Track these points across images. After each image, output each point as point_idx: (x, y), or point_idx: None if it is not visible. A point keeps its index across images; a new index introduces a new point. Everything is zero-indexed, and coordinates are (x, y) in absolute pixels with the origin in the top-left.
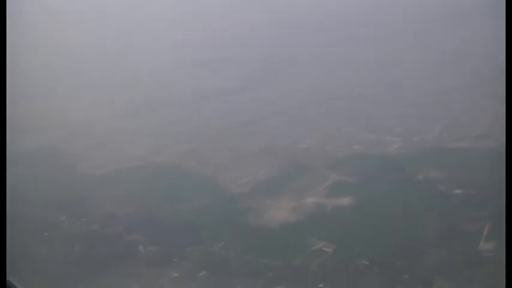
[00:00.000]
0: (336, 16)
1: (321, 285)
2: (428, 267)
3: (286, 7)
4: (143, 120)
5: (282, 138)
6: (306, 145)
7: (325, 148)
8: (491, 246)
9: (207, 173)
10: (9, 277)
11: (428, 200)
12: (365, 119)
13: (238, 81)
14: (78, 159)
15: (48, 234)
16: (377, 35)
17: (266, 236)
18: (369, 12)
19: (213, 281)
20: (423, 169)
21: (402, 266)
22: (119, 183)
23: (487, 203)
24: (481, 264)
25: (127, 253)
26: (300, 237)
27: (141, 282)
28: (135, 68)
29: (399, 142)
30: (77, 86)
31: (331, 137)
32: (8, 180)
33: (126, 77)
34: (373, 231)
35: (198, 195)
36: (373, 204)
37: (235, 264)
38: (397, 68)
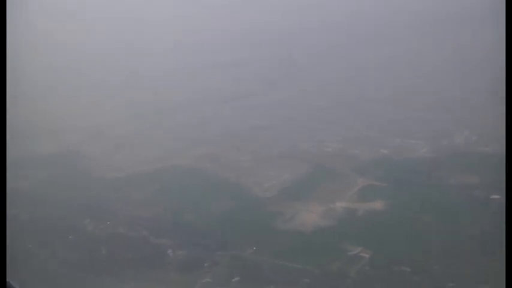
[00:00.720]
0: (350, 17)
1: None
2: (473, 275)
3: (298, 8)
4: (159, 122)
5: (303, 142)
6: (329, 148)
7: (350, 152)
8: None
9: (228, 176)
10: (9, 278)
11: (464, 205)
12: (387, 123)
13: (253, 84)
14: (96, 162)
15: (73, 238)
16: (393, 36)
17: (298, 241)
18: (384, 13)
19: (247, 287)
20: (455, 174)
21: (445, 273)
22: (140, 186)
23: None
24: None
25: (155, 257)
26: (334, 242)
27: (173, 287)
28: (149, 70)
29: (427, 146)
30: (89, 88)
31: (355, 141)
32: (25, 182)
33: (140, 79)
34: (410, 237)
35: (222, 198)
36: (407, 209)
37: (269, 270)
38: (415, 69)
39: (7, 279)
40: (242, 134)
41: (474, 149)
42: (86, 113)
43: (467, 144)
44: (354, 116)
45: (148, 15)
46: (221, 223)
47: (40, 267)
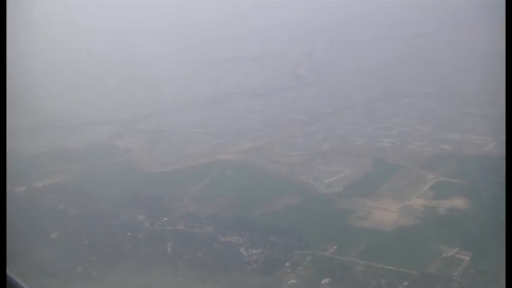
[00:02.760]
0: (385, 10)
1: None
2: None
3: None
4: (190, 117)
5: (353, 136)
6: (384, 143)
7: (407, 147)
8: None
9: (282, 171)
10: (9, 271)
11: None
12: (440, 118)
13: (283, 78)
14: (135, 156)
15: (132, 234)
16: (431, 31)
17: (381, 240)
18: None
19: None
20: None
21: None
22: (189, 181)
23: None
24: None
25: (228, 256)
26: (422, 242)
27: None
28: (176, 65)
29: (492, 142)
30: (114, 81)
31: (410, 136)
32: (61, 177)
33: (168, 74)
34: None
35: (283, 194)
36: (491, 207)
37: (359, 271)
38: (460, 64)
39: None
40: (283, 127)
41: None
42: (113, 107)
43: None
44: (402, 110)
45: (176, 10)
46: (290, 220)
47: (105, 263)
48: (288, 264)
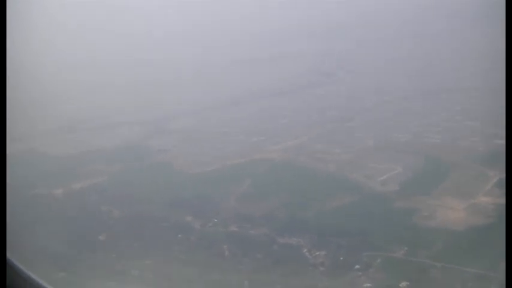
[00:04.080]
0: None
1: None
2: None
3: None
4: (221, 116)
5: (397, 133)
6: (433, 140)
7: (458, 143)
8: None
9: (329, 169)
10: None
11: None
12: (485, 113)
13: (308, 76)
14: (172, 157)
15: (183, 236)
16: (460, 27)
17: (454, 240)
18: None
19: None
20: None
21: None
22: (232, 181)
23: None
24: None
25: (292, 258)
26: (500, 241)
27: None
28: (205, 65)
29: None
30: (142, 82)
31: (458, 131)
32: (99, 178)
33: (196, 74)
34: None
35: (336, 193)
36: None
37: (438, 274)
38: (493, 59)
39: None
40: (319, 125)
41: None
42: (140, 108)
43: None
44: (444, 106)
45: (205, 9)
46: (349, 220)
47: (161, 265)
48: (358, 266)
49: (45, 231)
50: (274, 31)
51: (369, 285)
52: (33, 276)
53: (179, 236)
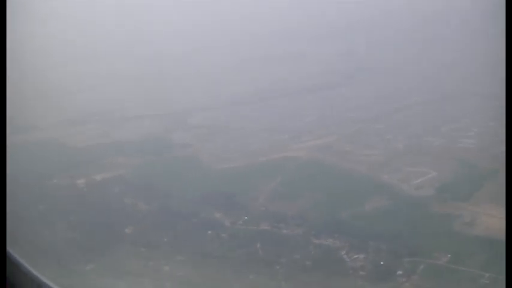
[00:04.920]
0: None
1: None
2: None
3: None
4: (242, 112)
5: (428, 136)
6: (466, 144)
7: (494, 149)
8: None
9: (361, 170)
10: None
11: None
12: None
13: (327, 76)
14: (198, 151)
15: (213, 233)
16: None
17: (501, 250)
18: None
19: None
20: None
21: None
22: (261, 178)
23: None
24: None
25: (328, 260)
26: None
27: None
28: (223, 60)
29: None
30: (158, 75)
31: (492, 137)
32: (125, 169)
33: (214, 69)
34: None
35: (370, 195)
36: None
37: (489, 286)
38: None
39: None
40: (345, 125)
41: None
42: (158, 101)
43: None
44: (474, 111)
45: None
46: (386, 223)
47: (194, 262)
48: (400, 272)
49: (68, 221)
50: (294, 28)
51: None
52: (33, 270)
53: (209, 232)
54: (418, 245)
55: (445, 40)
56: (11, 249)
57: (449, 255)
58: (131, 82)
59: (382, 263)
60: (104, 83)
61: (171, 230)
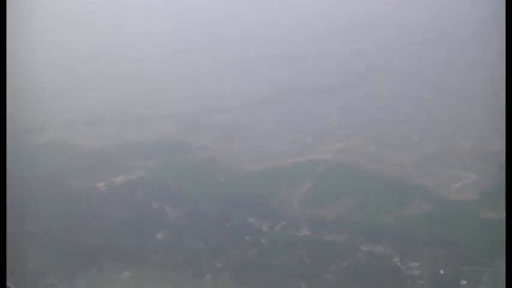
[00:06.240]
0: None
1: None
2: None
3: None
4: (260, 113)
5: (457, 139)
6: (500, 146)
7: None
8: None
9: (394, 173)
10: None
11: None
12: None
13: (343, 77)
14: (217, 153)
15: (252, 239)
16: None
17: None
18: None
19: None
20: None
21: None
22: (290, 181)
23: None
24: None
25: (384, 269)
26: None
27: None
28: (235, 62)
29: None
30: (171, 75)
31: None
32: (145, 171)
33: (227, 70)
34: None
35: (409, 199)
36: None
37: None
38: None
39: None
40: (369, 127)
41: None
42: (168, 102)
43: None
44: (500, 113)
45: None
46: (434, 229)
47: (236, 270)
48: (464, 282)
49: (93, 226)
50: (312, 29)
51: None
52: None
53: (247, 237)
54: (476, 252)
55: (467, 40)
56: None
57: None
58: (140, 83)
59: (442, 271)
60: (111, 84)
61: (206, 235)
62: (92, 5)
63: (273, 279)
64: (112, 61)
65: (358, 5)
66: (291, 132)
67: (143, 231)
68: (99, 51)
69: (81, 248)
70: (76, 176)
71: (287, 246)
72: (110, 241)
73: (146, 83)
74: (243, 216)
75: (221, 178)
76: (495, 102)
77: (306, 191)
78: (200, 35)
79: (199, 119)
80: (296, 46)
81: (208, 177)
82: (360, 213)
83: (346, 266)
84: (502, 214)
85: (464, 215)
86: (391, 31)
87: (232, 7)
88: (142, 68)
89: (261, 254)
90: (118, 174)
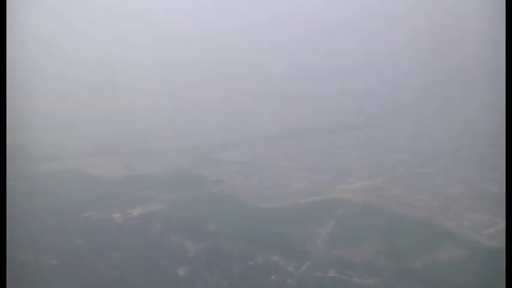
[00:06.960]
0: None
1: None
2: None
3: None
4: (276, 149)
5: (482, 182)
6: None
7: None
8: None
9: (419, 216)
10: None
11: None
12: None
13: (355, 116)
14: (233, 188)
15: (277, 278)
16: None
17: None
18: None
19: None
20: None
21: None
22: (312, 220)
23: None
24: None
25: None
26: None
27: None
28: (249, 97)
29: None
30: (183, 108)
31: None
32: (161, 205)
33: (241, 105)
34: None
35: (439, 244)
36: None
37: None
38: None
39: None
40: (391, 167)
41: None
42: (179, 134)
43: None
44: None
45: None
46: (470, 277)
47: None
48: None
49: (111, 259)
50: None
51: None
52: None
53: (272, 277)
54: None
55: (487, 83)
56: None
57: None
58: (152, 114)
59: None
60: (123, 114)
61: (230, 273)
62: (111, 38)
63: None
64: (121, 92)
65: (371, 45)
66: (309, 170)
67: (164, 266)
68: (109, 82)
69: (100, 281)
70: (91, 207)
71: None
72: (129, 275)
73: (156, 115)
74: (266, 254)
75: (240, 214)
76: None
77: (330, 230)
78: (220, 70)
79: (215, 153)
80: (315, 83)
81: (226, 212)
82: (388, 256)
83: None
84: None
85: (499, 263)
86: (412, 72)
87: (252, 45)
88: (153, 100)
89: None
90: (134, 207)
